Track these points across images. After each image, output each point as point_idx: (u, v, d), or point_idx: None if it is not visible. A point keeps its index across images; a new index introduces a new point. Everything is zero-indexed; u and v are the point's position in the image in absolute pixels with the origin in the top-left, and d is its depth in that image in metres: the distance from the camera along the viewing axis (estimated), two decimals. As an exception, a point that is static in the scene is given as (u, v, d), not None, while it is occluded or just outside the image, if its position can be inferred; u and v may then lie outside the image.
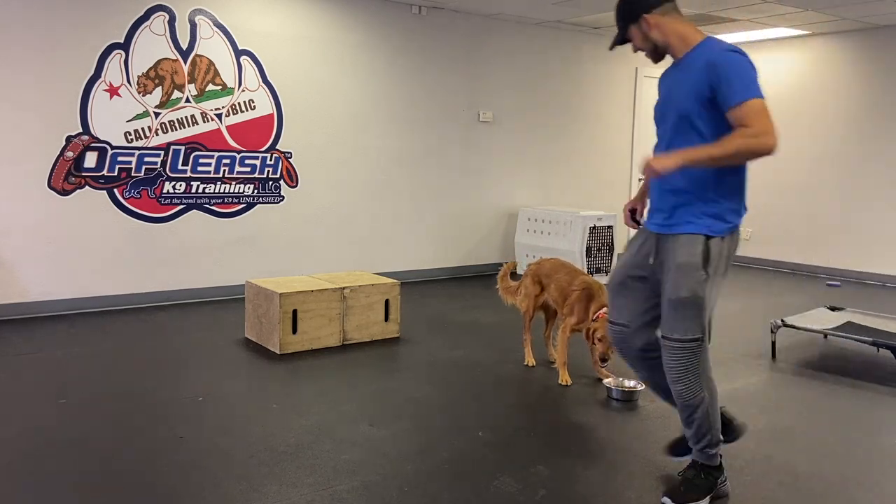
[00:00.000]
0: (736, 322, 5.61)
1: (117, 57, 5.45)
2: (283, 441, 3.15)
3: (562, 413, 3.59)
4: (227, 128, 5.95)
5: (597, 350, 3.81)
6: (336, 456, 3.01)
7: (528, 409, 3.63)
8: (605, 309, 3.81)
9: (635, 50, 2.77)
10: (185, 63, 5.72)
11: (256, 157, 6.12)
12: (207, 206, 5.93)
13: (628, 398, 3.77)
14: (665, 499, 2.67)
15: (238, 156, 6.02)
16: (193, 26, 5.73)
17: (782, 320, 4.65)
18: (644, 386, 3.86)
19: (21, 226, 5.21)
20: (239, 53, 5.95)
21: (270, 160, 6.19)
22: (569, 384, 3.99)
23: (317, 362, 4.32)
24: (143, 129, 5.59)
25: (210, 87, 5.84)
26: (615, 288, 2.82)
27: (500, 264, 4.42)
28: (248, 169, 6.09)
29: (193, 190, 5.85)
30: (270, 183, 6.21)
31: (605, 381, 3.89)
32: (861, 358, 4.67)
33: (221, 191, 5.98)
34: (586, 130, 8.29)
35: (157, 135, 5.65)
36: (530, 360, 4.36)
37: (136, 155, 5.58)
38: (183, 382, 3.91)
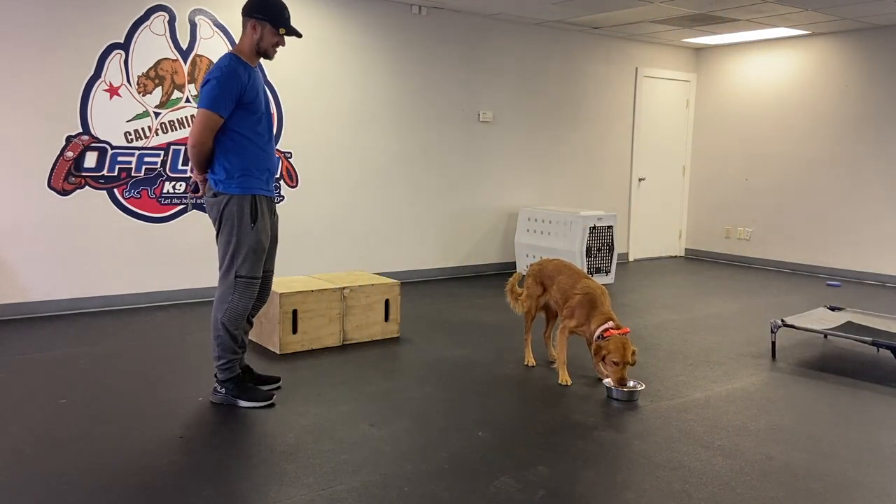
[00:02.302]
0: (736, 322, 5.61)
1: (117, 57, 5.45)
2: (283, 441, 3.15)
3: (562, 413, 3.59)
4: (227, 128, 5.94)
5: (610, 374, 3.75)
6: (336, 456, 3.01)
7: (528, 409, 3.63)
8: (611, 324, 3.80)
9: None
10: (186, 63, 5.73)
11: (256, 157, 6.11)
12: (207, 206, 5.93)
13: (628, 398, 3.77)
14: None
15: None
16: (193, 26, 5.73)
17: (782, 320, 4.65)
18: (644, 386, 3.87)
19: (21, 226, 5.21)
20: (239, 53, 5.95)
21: (270, 160, 6.18)
22: (569, 384, 3.99)
23: (317, 362, 4.33)
24: (143, 129, 5.59)
25: (210, 87, 5.84)
26: None
27: (500, 264, 4.43)
28: (248, 169, 6.08)
29: (193, 190, 5.84)
30: (270, 183, 6.21)
31: (605, 381, 3.89)
32: (861, 358, 4.68)
33: (221, 191, 5.97)
34: (586, 130, 8.29)
35: (157, 135, 5.65)
36: (530, 360, 4.36)
37: (136, 155, 5.58)
38: (183, 382, 3.91)
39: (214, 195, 3.43)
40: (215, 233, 3.48)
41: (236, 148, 3.39)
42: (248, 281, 3.45)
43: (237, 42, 3.44)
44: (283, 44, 3.52)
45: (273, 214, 3.60)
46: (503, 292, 4.62)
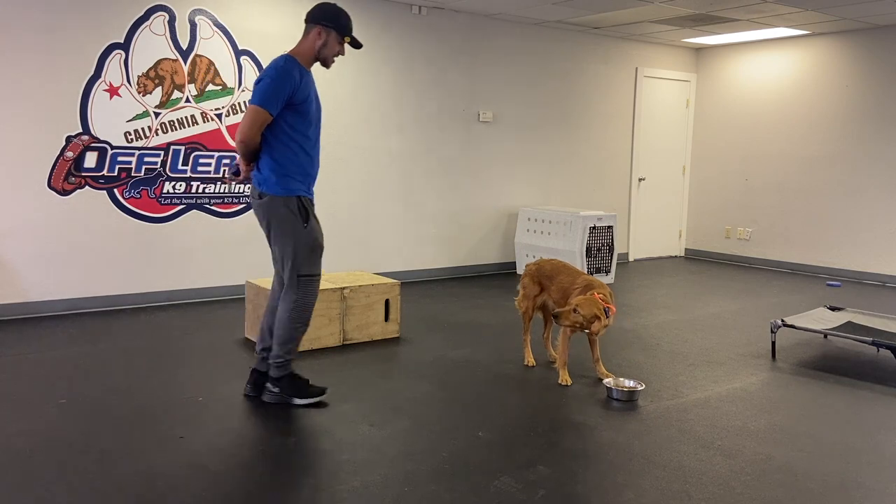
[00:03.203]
0: (736, 322, 5.61)
1: (117, 57, 5.45)
2: (283, 441, 3.15)
3: (562, 413, 3.59)
4: (227, 128, 5.95)
5: (565, 320, 3.86)
6: (336, 456, 3.01)
7: (528, 409, 3.63)
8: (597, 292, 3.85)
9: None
10: (185, 63, 5.73)
11: (256, 157, 6.11)
12: (207, 206, 5.94)
13: (628, 398, 3.77)
14: None
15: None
16: (193, 26, 5.73)
17: (782, 320, 4.65)
18: (644, 386, 3.87)
19: (21, 226, 5.21)
20: (239, 53, 5.95)
21: (270, 160, 6.18)
22: (569, 384, 3.99)
23: (317, 362, 4.32)
24: (143, 129, 5.59)
25: (210, 87, 5.85)
26: None
27: (500, 264, 4.43)
28: (248, 169, 6.08)
29: (193, 190, 5.85)
30: (270, 183, 6.21)
31: (605, 381, 3.89)
32: (861, 358, 4.68)
33: (221, 191, 5.98)
34: (586, 130, 8.29)
35: (157, 135, 5.65)
36: (530, 360, 4.36)
37: (136, 155, 5.58)
38: (183, 382, 3.91)
39: (260, 196, 3.47)
40: (266, 234, 3.53)
41: (283, 149, 3.41)
42: (310, 279, 3.51)
43: (296, 45, 3.48)
44: (344, 53, 3.57)
45: (316, 219, 3.62)
46: (503, 292, 4.62)
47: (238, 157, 3.49)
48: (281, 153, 3.41)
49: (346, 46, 3.57)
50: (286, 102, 3.35)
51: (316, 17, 3.46)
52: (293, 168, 3.43)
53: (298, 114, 3.41)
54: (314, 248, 3.50)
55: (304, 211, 3.45)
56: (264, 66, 6.01)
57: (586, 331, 3.90)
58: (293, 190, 3.44)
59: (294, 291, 3.50)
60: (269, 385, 3.61)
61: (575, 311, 3.83)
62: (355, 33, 6.56)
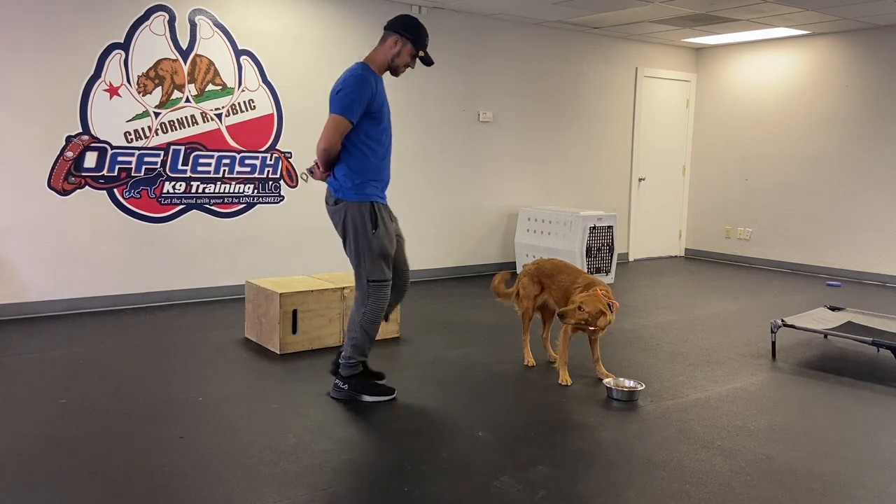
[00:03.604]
0: (736, 322, 5.61)
1: (117, 57, 5.45)
2: (283, 441, 3.15)
3: (562, 413, 3.59)
4: (227, 128, 5.95)
5: (569, 317, 3.87)
6: (336, 456, 3.01)
7: (528, 409, 3.63)
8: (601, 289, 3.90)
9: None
10: (185, 63, 5.73)
11: (256, 157, 6.12)
12: (207, 206, 5.94)
13: (628, 398, 3.77)
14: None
15: (238, 156, 6.02)
16: (193, 26, 5.73)
17: (782, 320, 4.65)
18: (644, 386, 3.87)
19: (21, 226, 5.21)
20: (239, 53, 5.95)
21: (270, 160, 6.19)
22: (569, 384, 3.99)
23: (317, 362, 4.32)
24: (143, 129, 5.59)
25: (210, 87, 5.85)
26: None
27: (500, 264, 4.43)
28: (248, 169, 6.09)
29: (193, 190, 5.85)
30: (270, 183, 6.22)
31: (605, 381, 3.89)
32: (861, 358, 4.68)
33: (221, 191, 5.98)
34: (586, 130, 8.29)
35: (157, 135, 5.65)
36: (530, 360, 4.36)
37: (136, 155, 5.58)
38: (183, 382, 3.91)
39: (336, 202, 3.55)
40: (342, 240, 3.62)
41: (359, 155, 3.49)
42: (379, 284, 3.58)
43: (371, 52, 3.58)
44: (413, 66, 3.64)
45: (393, 219, 3.68)
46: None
47: (315, 160, 3.57)
48: (356, 159, 3.49)
49: (416, 61, 3.65)
50: (364, 110, 3.43)
51: (395, 26, 3.57)
52: (368, 174, 3.51)
53: (373, 120, 3.48)
54: (382, 254, 3.56)
55: (375, 217, 3.52)
56: (264, 67, 6.10)
57: (591, 328, 3.90)
58: (368, 195, 3.52)
59: (366, 297, 3.59)
60: (338, 382, 3.68)
61: (580, 308, 3.83)
62: (356, 33, 6.62)
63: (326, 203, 3.63)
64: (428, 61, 3.66)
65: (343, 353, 3.66)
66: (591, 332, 4.02)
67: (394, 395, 3.71)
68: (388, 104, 3.62)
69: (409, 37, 3.53)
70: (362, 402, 3.63)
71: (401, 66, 3.58)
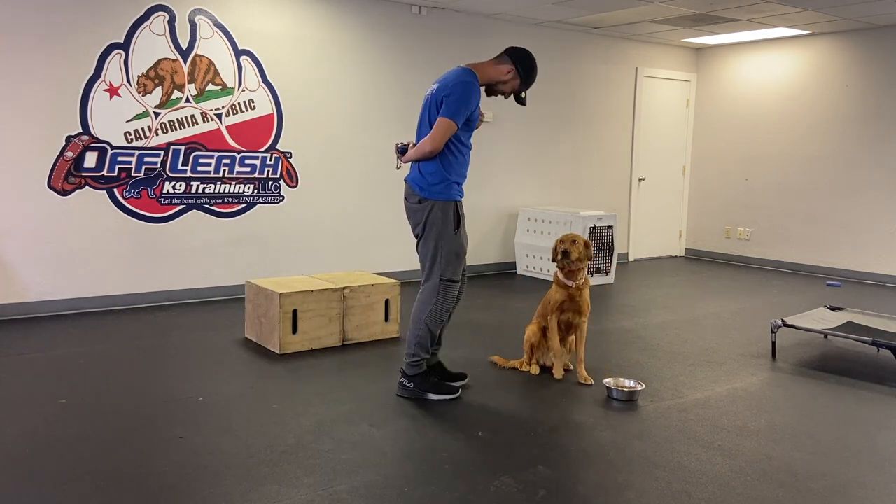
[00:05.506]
0: (736, 322, 5.61)
1: (117, 57, 5.45)
2: (283, 441, 3.15)
3: (562, 413, 3.59)
4: (227, 128, 5.95)
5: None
6: (336, 456, 3.01)
7: (528, 409, 3.63)
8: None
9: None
10: (185, 63, 5.73)
11: (256, 157, 6.12)
12: (207, 206, 5.94)
13: (628, 398, 3.77)
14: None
15: (238, 156, 6.02)
16: (193, 26, 5.73)
17: (782, 320, 4.65)
18: (644, 386, 3.87)
19: (21, 226, 5.21)
20: (239, 53, 5.95)
21: (270, 160, 6.19)
22: (561, 379, 4.05)
23: (317, 362, 4.32)
24: (143, 129, 5.59)
25: (210, 87, 5.85)
26: None
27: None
28: (248, 169, 6.09)
29: (193, 190, 5.85)
30: (270, 183, 6.22)
31: (605, 381, 3.89)
32: (861, 358, 4.68)
33: (221, 191, 5.98)
34: (586, 130, 8.29)
35: (157, 135, 5.65)
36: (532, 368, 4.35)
37: (136, 155, 5.58)
38: (183, 382, 3.91)
39: (419, 201, 3.61)
40: (416, 238, 3.69)
41: (451, 157, 3.60)
42: (450, 284, 3.65)
43: (483, 63, 3.67)
44: (507, 97, 3.78)
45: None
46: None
47: (408, 150, 3.66)
48: (448, 160, 3.59)
49: (512, 96, 3.77)
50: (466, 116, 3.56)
51: (516, 58, 3.66)
52: (455, 174, 3.62)
53: (467, 125, 3.60)
54: (459, 253, 3.64)
55: (458, 217, 3.62)
56: (264, 67, 6.09)
57: (569, 262, 4.00)
58: (452, 195, 3.61)
59: (434, 295, 3.64)
60: (403, 381, 3.73)
61: (555, 250, 4.03)
62: (355, 33, 6.63)
63: (406, 200, 3.69)
64: (522, 102, 3.79)
65: (407, 352, 3.72)
66: (577, 287, 4.05)
67: (458, 394, 3.75)
68: None
69: (522, 74, 3.66)
70: (427, 399, 3.69)
71: (499, 93, 3.72)
